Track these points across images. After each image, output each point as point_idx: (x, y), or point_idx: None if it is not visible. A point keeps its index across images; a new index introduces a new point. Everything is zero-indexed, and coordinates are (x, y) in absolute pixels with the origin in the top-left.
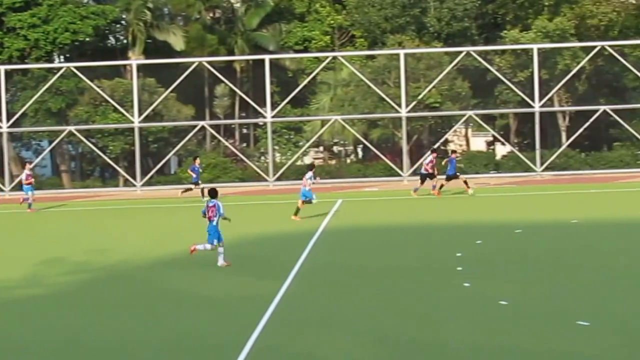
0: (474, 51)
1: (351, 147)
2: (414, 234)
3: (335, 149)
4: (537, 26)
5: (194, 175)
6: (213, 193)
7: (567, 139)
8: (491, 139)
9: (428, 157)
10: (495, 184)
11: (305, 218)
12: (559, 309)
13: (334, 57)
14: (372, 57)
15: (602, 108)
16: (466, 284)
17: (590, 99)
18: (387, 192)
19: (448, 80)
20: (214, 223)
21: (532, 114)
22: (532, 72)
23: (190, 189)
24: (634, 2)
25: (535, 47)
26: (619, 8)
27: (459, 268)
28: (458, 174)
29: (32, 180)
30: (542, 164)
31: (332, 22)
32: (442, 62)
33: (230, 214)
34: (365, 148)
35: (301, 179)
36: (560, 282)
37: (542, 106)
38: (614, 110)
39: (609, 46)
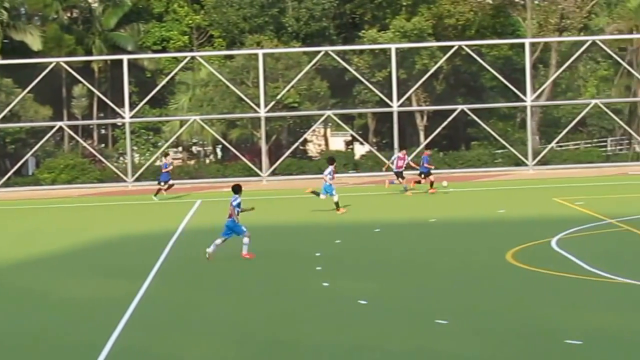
0: (333, 51)
1: (210, 148)
2: (274, 234)
3: (194, 149)
4: (395, 26)
5: (166, 173)
6: (237, 189)
7: (425, 138)
8: (350, 138)
9: (397, 154)
10: (354, 183)
11: (164, 218)
12: (418, 307)
13: (193, 57)
14: (230, 57)
15: (459, 107)
16: (325, 284)
17: (448, 98)
18: (247, 193)
19: (307, 80)
20: (232, 218)
21: (391, 113)
22: (390, 72)
23: (171, 186)
24: (490, 1)
25: (393, 47)
26: (476, 8)
27: (318, 268)
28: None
29: None
30: None
31: (190, 22)
32: (300, 62)
33: (250, 204)
34: (224, 148)
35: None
36: (419, 280)
37: (400, 106)
38: (471, 110)
39: (467, 46)
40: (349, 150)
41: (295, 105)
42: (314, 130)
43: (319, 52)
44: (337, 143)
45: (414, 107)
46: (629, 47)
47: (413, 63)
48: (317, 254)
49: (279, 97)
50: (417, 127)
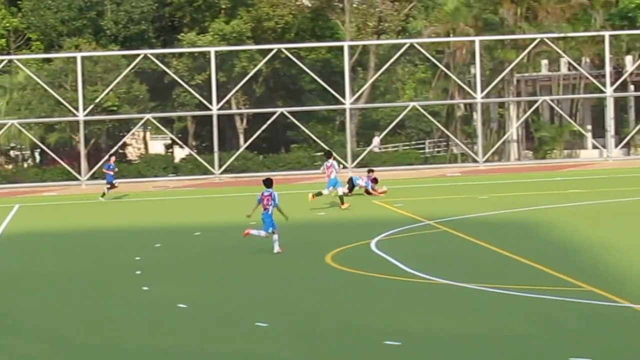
0: (152, 54)
1: (28, 152)
2: (93, 238)
3: (12, 153)
4: (214, 29)
5: (110, 173)
6: (269, 182)
7: (245, 141)
8: (170, 142)
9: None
10: (175, 187)
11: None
12: (238, 310)
13: (10, 61)
14: (48, 60)
15: (279, 110)
16: (145, 288)
17: (268, 101)
18: (66, 197)
19: (126, 83)
20: (269, 212)
21: (210, 116)
22: (209, 75)
23: (114, 186)
24: (309, 5)
25: (212, 49)
26: (295, 11)
27: (138, 272)
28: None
29: None
30: (220, 166)
31: (7, 25)
32: (119, 65)
33: (286, 210)
34: (42, 152)
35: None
36: (239, 283)
37: (219, 109)
38: (291, 113)
39: (286, 49)
40: (169, 153)
41: (115, 108)
42: (133, 134)
43: (138, 55)
44: (156, 146)
45: (234, 110)
46: (446, 49)
47: (232, 66)
48: (137, 258)
49: (97, 100)
50: (236, 130)
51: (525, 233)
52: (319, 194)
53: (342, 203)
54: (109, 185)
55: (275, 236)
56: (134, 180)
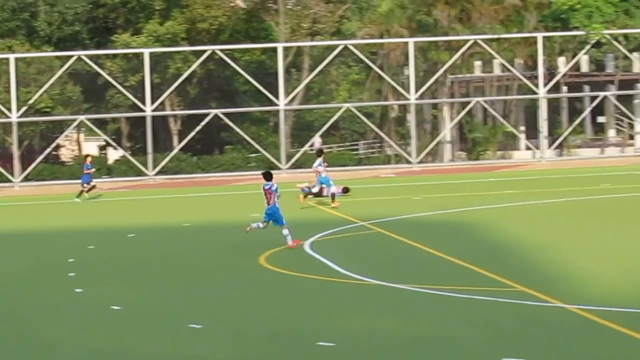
0: (85, 55)
1: None
2: (26, 240)
3: None
4: (148, 30)
5: (89, 173)
6: (268, 175)
7: (179, 142)
8: (104, 143)
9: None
10: (109, 188)
11: None
12: (173, 312)
13: None
14: None
15: (213, 112)
16: (78, 290)
17: (202, 102)
18: None
19: (59, 84)
20: (276, 205)
21: (144, 118)
22: (143, 76)
23: (94, 187)
24: (244, 6)
25: (146, 51)
26: (229, 12)
27: (72, 274)
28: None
29: None
30: (154, 167)
31: None
32: (53, 66)
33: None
34: None
35: None
36: (173, 285)
37: (154, 110)
38: (225, 114)
39: (220, 50)
40: (103, 155)
41: (48, 110)
42: (67, 135)
43: (71, 56)
44: (90, 148)
45: (168, 112)
46: (380, 51)
47: (166, 67)
48: (71, 260)
49: (31, 101)
50: (170, 131)
51: (459, 234)
52: (309, 193)
53: (333, 200)
54: (85, 186)
55: (286, 230)
56: (67, 182)
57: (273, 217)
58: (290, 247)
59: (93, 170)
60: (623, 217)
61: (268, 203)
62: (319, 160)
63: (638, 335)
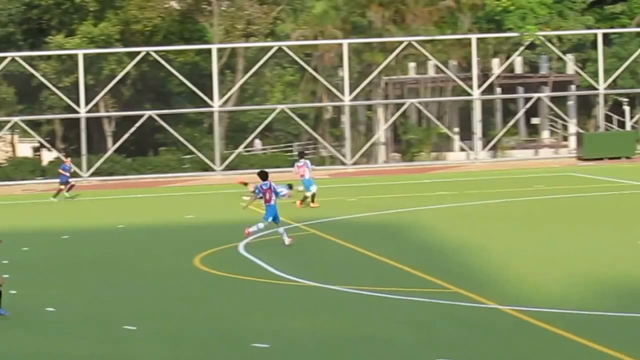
0: (19, 57)
1: None
2: None
3: None
4: (83, 32)
5: (66, 174)
6: (264, 175)
7: (113, 144)
8: (38, 145)
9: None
10: (42, 190)
11: None
12: (107, 313)
13: None
14: None
15: (147, 113)
16: (13, 291)
17: (136, 104)
18: None
19: None
20: (273, 204)
21: (78, 119)
22: (77, 78)
23: (61, 190)
24: (178, 7)
25: (80, 52)
26: (163, 14)
27: (5, 275)
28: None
29: None
30: (88, 169)
31: None
32: None
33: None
34: None
35: None
36: (107, 287)
37: (88, 112)
38: (159, 115)
39: (154, 52)
40: (37, 156)
41: None
42: (1, 137)
43: (5, 57)
44: (24, 149)
45: (102, 113)
46: (314, 52)
47: (100, 69)
48: (4, 262)
49: None
50: (104, 132)
51: (393, 235)
52: (304, 198)
53: (313, 201)
54: (62, 186)
55: (281, 229)
56: (1, 184)
57: (273, 215)
58: (288, 244)
59: (72, 170)
60: (557, 219)
61: (266, 202)
62: (303, 161)
63: (572, 336)
